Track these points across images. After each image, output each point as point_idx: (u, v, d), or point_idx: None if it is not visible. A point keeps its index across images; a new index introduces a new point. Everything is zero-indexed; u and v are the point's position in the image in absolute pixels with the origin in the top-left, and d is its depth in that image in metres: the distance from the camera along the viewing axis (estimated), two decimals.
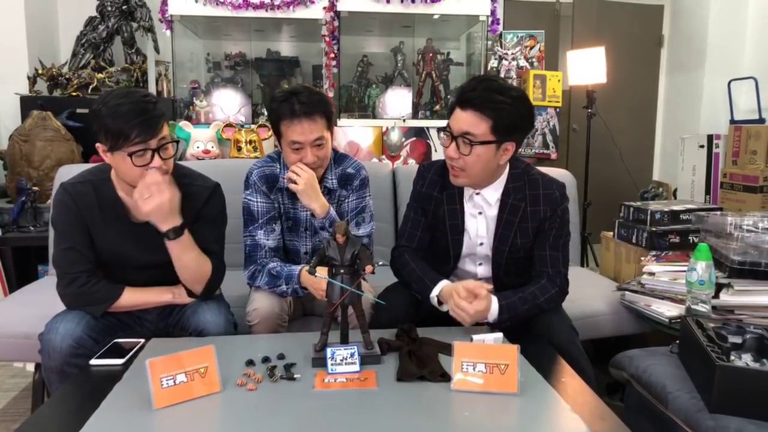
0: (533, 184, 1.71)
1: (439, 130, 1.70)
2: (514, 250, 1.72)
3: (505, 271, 1.75)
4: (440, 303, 1.65)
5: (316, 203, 1.79)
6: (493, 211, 1.72)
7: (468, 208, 1.75)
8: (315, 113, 1.73)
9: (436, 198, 1.76)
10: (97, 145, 1.53)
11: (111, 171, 1.63)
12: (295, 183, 1.77)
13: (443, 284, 1.65)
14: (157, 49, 3.55)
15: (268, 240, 1.85)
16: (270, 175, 1.86)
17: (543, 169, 1.83)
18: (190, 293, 1.68)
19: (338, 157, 1.93)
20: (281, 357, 1.42)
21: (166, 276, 1.69)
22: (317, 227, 1.85)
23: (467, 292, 1.57)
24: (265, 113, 3.52)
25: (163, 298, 1.68)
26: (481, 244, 1.76)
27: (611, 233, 2.65)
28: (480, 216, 1.74)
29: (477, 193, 1.72)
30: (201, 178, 1.74)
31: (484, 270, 1.79)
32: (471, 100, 1.58)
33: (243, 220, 1.87)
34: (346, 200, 1.91)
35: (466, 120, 1.59)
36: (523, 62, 3.67)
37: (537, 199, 1.70)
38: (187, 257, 1.62)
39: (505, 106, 1.57)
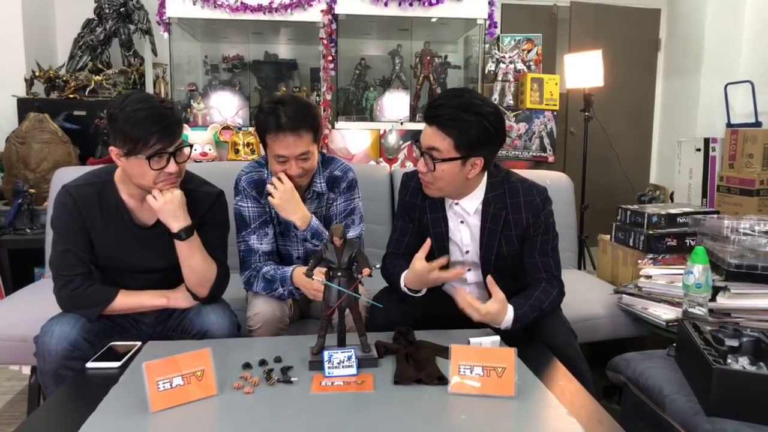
0: (513, 191, 1.71)
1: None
2: (500, 258, 1.72)
3: (496, 278, 1.75)
4: (415, 291, 1.67)
5: (294, 216, 1.78)
6: (474, 221, 1.73)
7: (450, 216, 1.75)
8: (301, 128, 1.70)
9: (419, 206, 1.77)
10: (111, 148, 1.53)
11: (114, 174, 1.63)
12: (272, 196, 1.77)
13: (404, 274, 1.68)
14: (154, 52, 3.55)
15: (261, 244, 1.84)
16: (258, 180, 1.85)
17: (539, 173, 1.84)
18: (194, 297, 1.68)
19: (325, 160, 1.92)
20: (278, 360, 1.41)
21: (164, 281, 1.70)
22: (300, 238, 1.85)
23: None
24: None
25: (158, 302, 1.68)
26: (467, 252, 1.76)
27: (608, 236, 2.65)
28: (463, 225, 1.75)
29: (456, 203, 1.73)
30: (205, 185, 1.74)
31: (473, 275, 1.79)
32: (436, 116, 1.59)
33: (236, 225, 1.86)
34: (335, 203, 1.90)
35: (431, 136, 1.60)
36: (520, 65, 3.67)
37: (518, 206, 1.70)
38: (195, 259, 1.62)
39: (470, 123, 1.56)
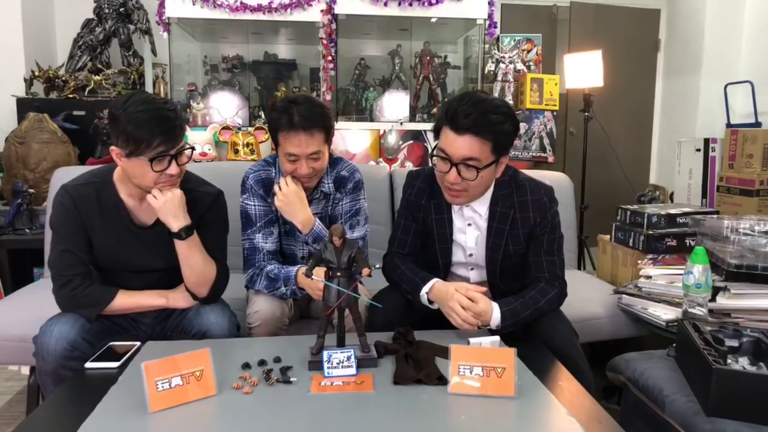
0: (521, 190, 1.71)
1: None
2: (506, 257, 1.72)
3: (501, 278, 1.75)
4: (431, 302, 1.65)
5: (296, 219, 1.78)
6: (482, 221, 1.72)
7: (457, 219, 1.74)
8: (313, 127, 1.70)
9: (424, 206, 1.76)
10: (112, 148, 1.52)
11: (113, 174, 1.63)
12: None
13: (434, 281, 1.65)
14: (154, 52, 3.55)
15: (266, 243, 1.85)
16: (266, 179, 1.86)
17: (539, 173, 1.83)
18: (194, 297, 1.68)
19: (333, 161, 1.92)
20: (277, 360, 1.41)
21: (163, 281, 1.70)
22: (302, 241, 1.85)
23: (467, 297, 1.57)
24: (263, 116, 3.52)
25: (157, 302, 1.68)
26: (471, 255, 1.76)
27: (608, 236, 2.65)
28: (470, 227, 1.74)
29: (467, 205, 1.72)
30: (204, 185, 1.74)
31: (476, 274, 1.79)
32: (470, 126, 1.53)
33: (241, 223, 1.87)
34: (340, 203, 1.91)
35: (466, 146, 1.54)
36: (520, 66, 3.67)
37: (525, 205, 1.69)
38: (195, 258, 1.62)
39: (502, 126, 1.55)
